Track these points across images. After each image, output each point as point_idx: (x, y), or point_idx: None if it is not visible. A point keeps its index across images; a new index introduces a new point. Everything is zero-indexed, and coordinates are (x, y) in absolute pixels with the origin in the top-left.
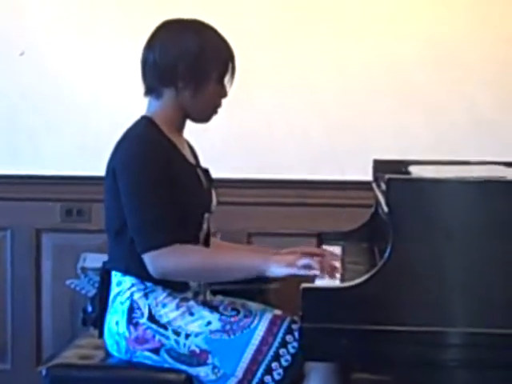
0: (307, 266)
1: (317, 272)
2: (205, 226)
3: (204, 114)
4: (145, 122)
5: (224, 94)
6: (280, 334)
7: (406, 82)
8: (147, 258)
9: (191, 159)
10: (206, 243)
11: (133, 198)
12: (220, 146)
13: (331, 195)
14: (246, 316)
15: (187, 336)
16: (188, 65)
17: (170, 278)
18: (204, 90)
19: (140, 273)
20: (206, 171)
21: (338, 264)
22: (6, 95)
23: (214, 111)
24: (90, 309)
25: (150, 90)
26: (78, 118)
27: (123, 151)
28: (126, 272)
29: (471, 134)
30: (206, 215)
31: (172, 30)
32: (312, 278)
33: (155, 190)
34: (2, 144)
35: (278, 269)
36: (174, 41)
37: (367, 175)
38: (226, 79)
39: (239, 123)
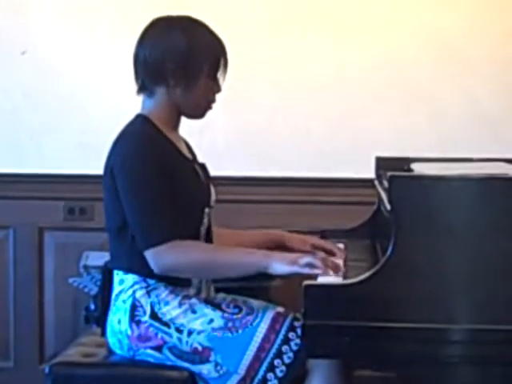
0: (310, 265)
1: (319, 271)
2: (205, 221)
3: (198, 111)
4: (140, 120)
5: (217, 89)
6: (282, 332)
7: (408, 79)
8: (148, 254)
9: (188, 155)
10: (208, 238)
11: (131, 196)
12: (221, 143)
13: (333, 193)
14: (248, 313)
15: (190, 333)
16: (177, 62)
17: (172, 273)
18: (195, 86)
19: (142, 270)
20: (202, 166)
21: (341, 262)
22: (7, 94)
23: (208, 107)
24: (92, 307)
25: (142, 88)
26: (79, 116)
27: (120, 149)
28: (128, 270)
29: (473, 131)
30: (207, 210)
31: (160, 27)
32: (315, 275)
33: (153, 187)
34: (4, 143)
35: (280, 267)
36: (162, 38)
37: (369, 173)
38: (218, 74)
39: (240, 121)
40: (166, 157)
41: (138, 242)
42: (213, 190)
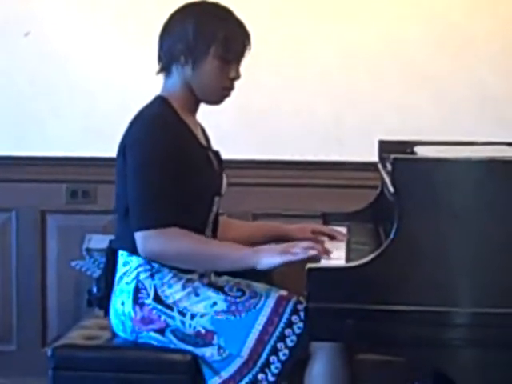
0: (306, 248)
1: (315, 252)
2: (214, 209)
3: (210, 94)
4: (159, 102)
5: (234, 74)
6: (285, 315)
7: (411, 61)
8: (138, 236)
9: (203, 142)
10: (215, 226)
11: (135, 177)
12: (226, 126)
13: (337, 176)
14: (251, 296)
15: (193, 316)
16: (186, 41)
17: (156, 260)
18: (202, 65)
19: None
20: (216, 154)
21: (343, 245)
22: (11, 77)
23: (224, 92)
24: (95, 290)
25: (160, 69)
26: (83, 99)
27: (136, 129)
28: (132, 252)
29: (476, 113)
30: (217, 198)
31: (180, 11)
32: (318, 258)
33: (160, 170)
34: (7, 125)
35: (270, 260)
36: (177, 22)
37: (373, 156)
38: (230, 57)
39: (245, 104)
40: (181, 141)
41: (131, 221)
42: (225, 178)
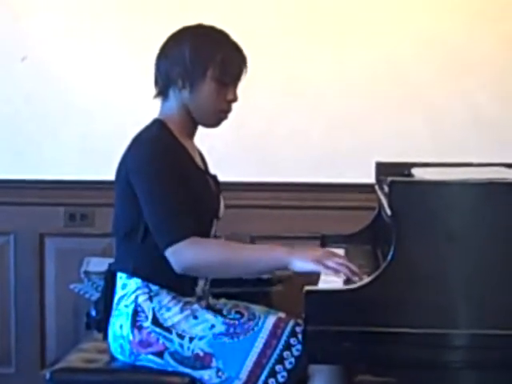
0: (333, 270)
1: (346, 271)
2: (213, 231)
3: (208, 117)
4: (158, 125)
5: (232, 97)
6: (284, 337)
7: (407, 83)
8: (169, 253)
9: (201, 165)
10: None
11: (150, 198)
12: (221, 148)
13: (334, 198)
14: (249, 319)
15: (191, 339)
16: (183, 64)
17: (193, 270)
18: (200, 88)
19: (147, 275)
20: (214, 177)
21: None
22: (8, 100)
23: (221, 115)
24: (93, 313)
25: (158, 93)
26: (81, 122)
27: (136, 153)
28: (132, 273)
29: (472, 135)
30: (215, 221)
31: (176, 34)
32: (316, 280)
33: (170, 189)
34: (5, 148)
35: (302, 264)
36: (174, 46)
37: (370, 178)
38: (227, 80)
39: (240, 126)
40: (181, 165)
41: (158, 243)
42: (222, 201)
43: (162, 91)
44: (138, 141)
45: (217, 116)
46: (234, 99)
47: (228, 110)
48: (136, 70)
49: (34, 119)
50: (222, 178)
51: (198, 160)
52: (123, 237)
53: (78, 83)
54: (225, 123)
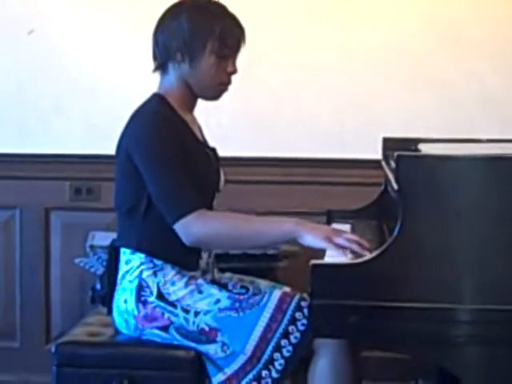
0: (343, 247)
1: (357, 246)
2: (213, 205)
3: (208, 90)
4: (157, 99)
5: (231, 69)
6: (289, 311)
7: (413, 60)
8: (178, 227)
9: (201, 138)
10: None
11: (153, 173)
12: (228, 124)
13: (340, 173)
14: (255, 293)
15: (196, 314)
16: (181, 38)
17: (203, 243)
18: (199, 62)
19: (151, 249)
20: (213, 150)
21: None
22: (14, 75)
23: (221, 87)
24: (98, 287)
25: (157, 67)
26: (87, 96)
27: (136, 127)
28: (136, 249)
29: (479, 112)
30: (216, 194)
31: (174, 8)
32: (322, 254)
33: (173, 162)
34: (10, 123)
35: (313, 240)
36: (172, 19)
37: (376, 154)
38: (226, 52)
39: (247, 101)
40: (181, 138)
41: (166, 217)
42: (222, 174)
43: (161, 65)
44: (137, 115)
45: (217, 89)
46: (234, 71)
47: (228, 83)
48: (143, 44)
49: (40, 93)
50: (228, 153)
51: (197, 133)
52: (125, 212)
53: (85, 58)
54: (230, 98)
